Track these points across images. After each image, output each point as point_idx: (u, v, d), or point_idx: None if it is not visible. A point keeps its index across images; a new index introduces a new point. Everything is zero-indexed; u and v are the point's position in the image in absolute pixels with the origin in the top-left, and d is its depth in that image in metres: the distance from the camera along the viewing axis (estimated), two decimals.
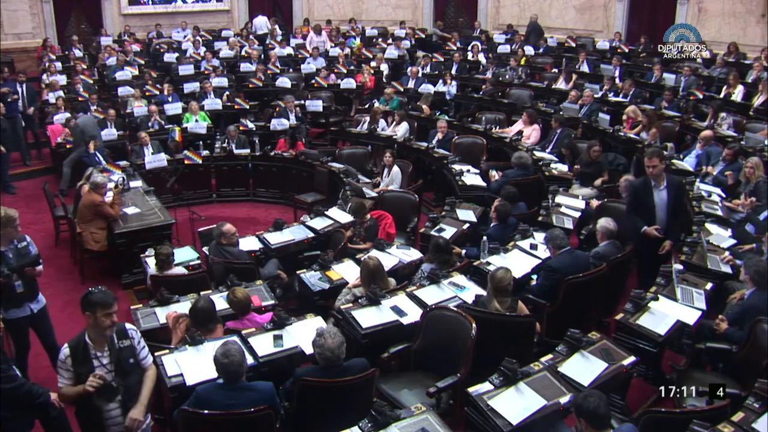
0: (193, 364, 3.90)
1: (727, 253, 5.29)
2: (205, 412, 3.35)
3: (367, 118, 9.60)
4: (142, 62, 12.82)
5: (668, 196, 5.27)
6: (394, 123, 9.40)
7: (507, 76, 11.53)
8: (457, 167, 7.69)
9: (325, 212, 6.60)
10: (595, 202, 6.54)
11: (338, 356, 3.60)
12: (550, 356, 3.92)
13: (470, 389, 3.58)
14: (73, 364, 3.33)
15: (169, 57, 12.89)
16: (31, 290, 4.54)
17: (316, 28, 14.57)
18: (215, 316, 4.32)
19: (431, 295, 4.78)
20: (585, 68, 11.86)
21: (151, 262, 5.53)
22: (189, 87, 11.07)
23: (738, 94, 9.58)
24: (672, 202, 5.28)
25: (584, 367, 3.80)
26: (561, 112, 9.12)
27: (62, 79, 11.26)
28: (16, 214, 4.42)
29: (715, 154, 7.31)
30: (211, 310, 4.29)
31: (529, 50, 13.19)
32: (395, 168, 7.68)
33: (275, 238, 6.09)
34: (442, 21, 16.26)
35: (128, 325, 3.54)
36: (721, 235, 5.66)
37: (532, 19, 14.74)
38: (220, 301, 4.67)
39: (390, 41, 14.24)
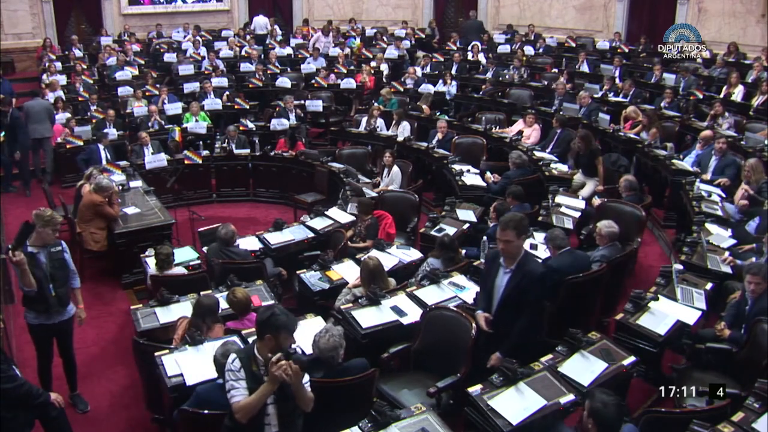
0: (193, 364, 3.90)
1: (727, 253, 5.29)
2: (205, 412, 3.35)
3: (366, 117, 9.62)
4: (142, 62, 12.82)
5: (508, 285, 3.90)
6: (394, 123, 9.40)
7: (507, 76, 11.53)
8: (457, 167, 7.69)
9: (325, 212, 6.61)
10: (596, 201, 6.54)
11: (328, 357, 3.60)
12: (550, 356, 3.92)
13: (470, 389, 3.59)
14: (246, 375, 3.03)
15: (169, 57, 12.89)
16: (60, 298, 4.38)
17: (325, 29, 14.62)
18: (217, 313, 4.34)
19: (431, 295, 4.78)
20: (585, 68, 11.86)
21: (151, 262, 5.53)
22: (189, 87, 11.08)
23: (738, 94, 9.59)
24: (511, 295, 3.88)
25: (584, 367, 3.80)
26: (561, 112, 9.13)
27: (62, 79, 11.26)
28: (60, 219, 4.37)
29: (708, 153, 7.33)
30: (215, 306, 4.32)
31: (529, 50, 13.18)
32: (395, 168, 7.68)
33: (275, 238, 6.10)
34: (441, 21, 16.26)
35: (293, 345, 3.30)
36: (721, 235, 5.66)
37: (471, 17, 14.78)
38: (220, 302, 4.67)
39: (390, 41, 14.24)
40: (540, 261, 4.17)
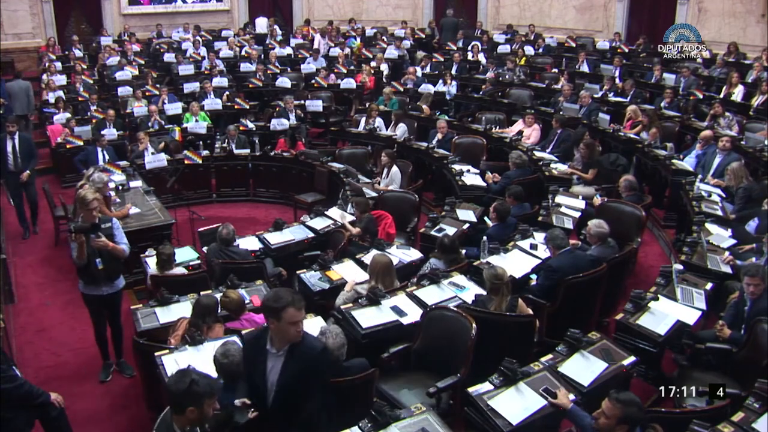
0: (193, 364, 3.89)
1: (727, 253, 5.29)
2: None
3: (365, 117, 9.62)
4: (142, 62, 12.82)
5: (284, 371, 3.12)
6: (392, 124, 9.41)
7: (507, 76, 11.53)
8: (457, 167, 7.69)
9: (325, 212, 6.61)
10: (597, 200, 6.55)
11: (337, 357, 3.61)
12: (550, 356, 3.93)
13: (470, 389, 3.59)
14: None
15: (169, 57, 12.89)
16: (109, 273, 4.67)
17: (323, 31, 14.62)
18: (217, 312, 4.35)
19: (431, 295, 4.78)
20: (585, 68, 11.86)
21: (151, 262, 5.53)
22: (189, 87, 11.09)
23: (738, 94, 9.59)
24: (289, 383, 3.12)
25: (584, 367, 3.81)
26: (561, 112, 9.13)
27: (62, 79, 11.26)
28: (91, 196, 4.57)
29: (711, 153, 7.34)
30: (214, 306, 4.33)
31: (529, 50, 13.18)
32: (394, 168, 7.67)
33: (275, 238, 6.10)
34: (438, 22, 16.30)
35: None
36: (721, 235, 5.67)
37: (447, 15, 14.85)
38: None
39: (390, 41, 14.23)
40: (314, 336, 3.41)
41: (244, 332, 3.43)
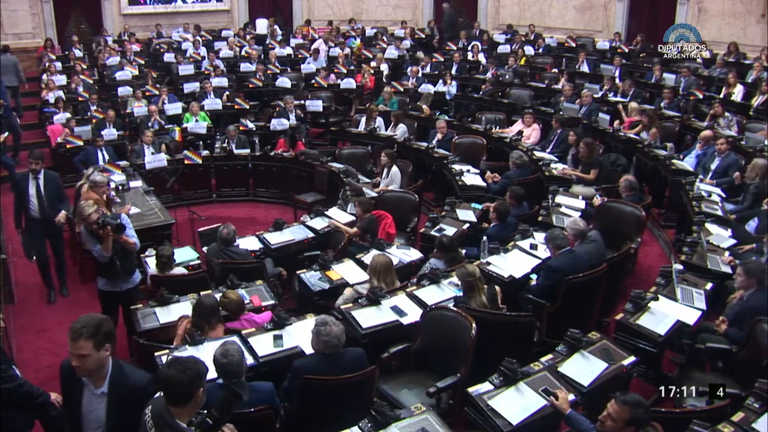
0: None
1: (727, 253, 5.29)
2: (204, 412, 3.34)
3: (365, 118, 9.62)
4: (142, 62, 12.82)
5: (110, 414, 2.94)
6: (392, 124, 9.41)
7: (507, 76, 11.53)
8: (457, 167, 7.69)
9: (325, 212, 6.61)
10: (597, 200, 6.55)
11: (342, 343, 3.67)
12: (550, 356, 3.93)
13: (470, 389, 3.59)
14: None
15: (169, 57, 12.88)
16: (125, 267, 4.88)
17: (326, 37, 14.64)
18: (219, 312, 4.36)
19: (431, 295, 4.78)
20: (585, 68, 11.86)
21: (151, 262, 5.53)
22: (189, 87, 11.08)
23: (738, 94, 9.58)
24: (117, 426, 2.94)
25: (584, 367, 3.81)
26: (561, 112, 9.13)
27: (62, 80, 11.26)
28: (89, 211, 4.70)
29: (710, 153, 7.34)
30: (217, 306, 4.34)
31: (529, 50, 13.18)
32: (394, 168, 7.67)
33: (275, 238, 6.10)
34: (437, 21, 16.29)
35: None
36: (721, 235, 5.67)
37: (446, 9, 14.81)
38: None
39: (390, 41, 14.23)
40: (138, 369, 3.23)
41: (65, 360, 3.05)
